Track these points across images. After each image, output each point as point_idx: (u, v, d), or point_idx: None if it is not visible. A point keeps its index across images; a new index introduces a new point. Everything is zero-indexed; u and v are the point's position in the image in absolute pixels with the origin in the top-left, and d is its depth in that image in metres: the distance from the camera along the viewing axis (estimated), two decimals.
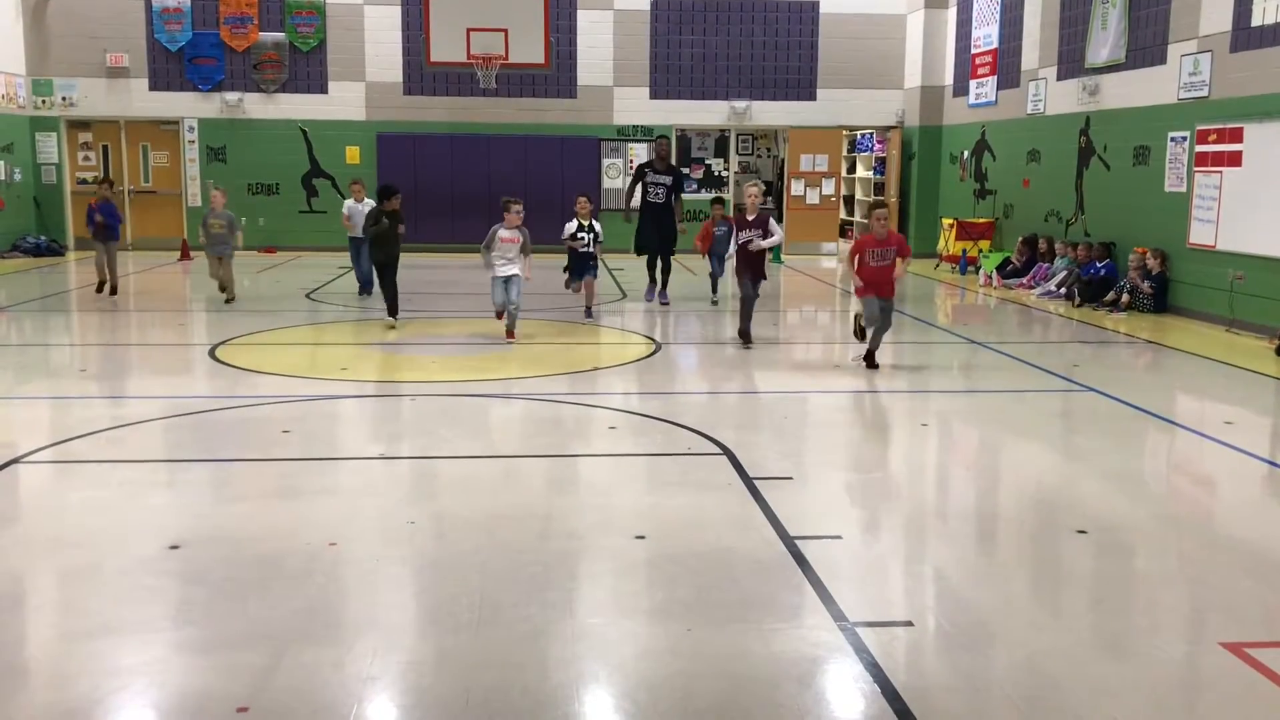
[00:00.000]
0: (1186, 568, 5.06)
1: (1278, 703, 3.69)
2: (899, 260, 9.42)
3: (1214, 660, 4.03)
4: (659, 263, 14.07)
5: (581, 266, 12.39)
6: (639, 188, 14.00)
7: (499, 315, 10.97)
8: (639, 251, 14.17)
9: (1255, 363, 10.14)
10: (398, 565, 4.93)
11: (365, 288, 14.34)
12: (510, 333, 10.90)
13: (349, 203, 14.84)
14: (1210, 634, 4.30)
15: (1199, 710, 3.74)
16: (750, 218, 10.54)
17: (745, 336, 10.66)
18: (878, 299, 9.39)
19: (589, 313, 12.52)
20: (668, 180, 13.86)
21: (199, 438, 7.27)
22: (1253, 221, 11.83)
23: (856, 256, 9.48)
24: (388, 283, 12.03)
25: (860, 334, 9.81)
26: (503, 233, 10.76)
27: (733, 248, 10.82)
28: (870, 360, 9.49)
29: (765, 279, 10.88)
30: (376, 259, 12.12)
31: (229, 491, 6.12)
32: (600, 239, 12.28)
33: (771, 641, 4.16)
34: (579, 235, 12.12)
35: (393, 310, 11.98)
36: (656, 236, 13.92)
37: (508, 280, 10.80)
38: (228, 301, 13.68)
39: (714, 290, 14.14)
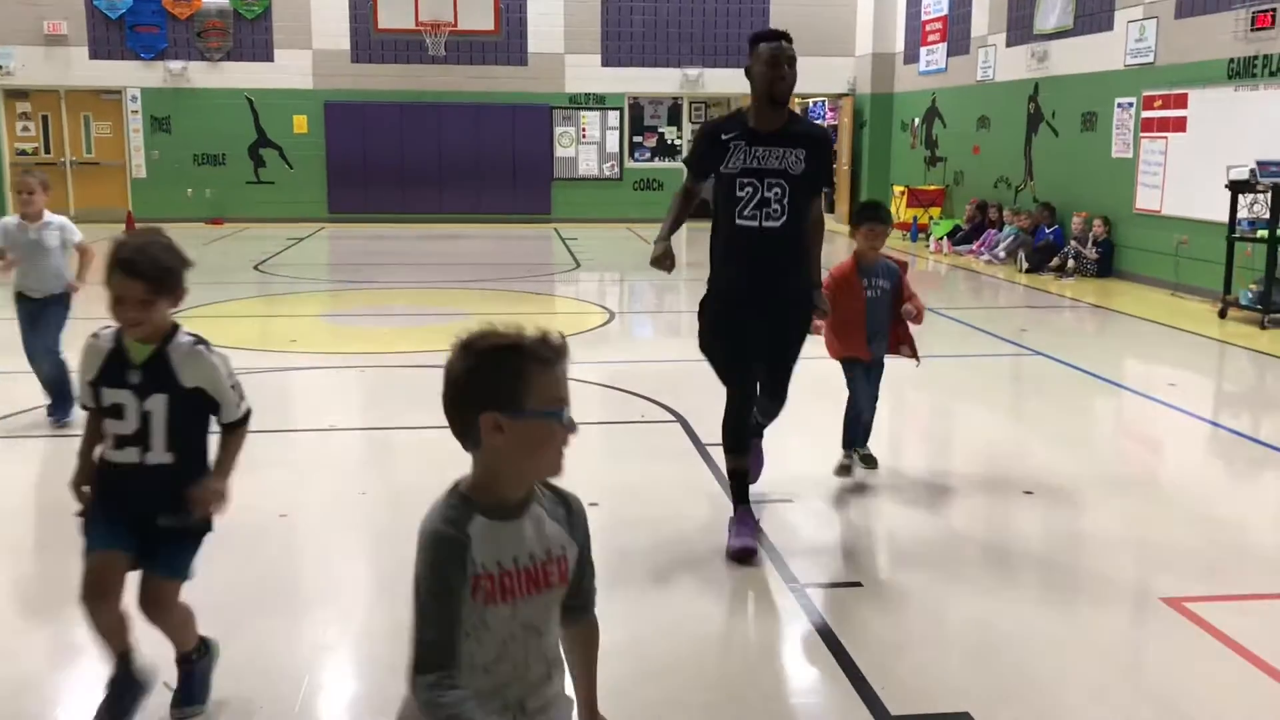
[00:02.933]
0: (1130, 526, 5.15)
1: (1214, 654, 3.78)
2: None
3: (1156, 615, 4.12)
4: (752, 391, 4.93)
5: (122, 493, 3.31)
6: (697, 193, 4.93)
7: None
8: (725, 369, 4.89)
9: (1199, 326, 10.31)
10: (351, 536, 4.91)
11: (60, 405, 6.53)
12: None
13: (6, 221, 6.52)
14: (1153, 589, 4.39)
15: (1141, 662, 3.83)
16: None
17: None
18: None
19: None
20: (792, 159, 4.61)
21: None
22: (1197, 186, 11.99)
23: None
24: None
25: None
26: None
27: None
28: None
29: None
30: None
31: None
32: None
33: (724, 604, 4.20)
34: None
35: None
36: (753, 324, 4.73)
37: None
38: None
39: (861, 442, 5.77)
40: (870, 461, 5.72)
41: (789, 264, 4.71)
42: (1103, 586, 4.43)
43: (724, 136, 4.67)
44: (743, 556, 4.55)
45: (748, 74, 4.67)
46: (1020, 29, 15.96)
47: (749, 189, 4.62)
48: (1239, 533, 5.05)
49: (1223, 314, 10.67)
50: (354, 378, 8.16)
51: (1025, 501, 5.43)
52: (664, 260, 4.74)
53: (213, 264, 14.81)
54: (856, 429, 5.73)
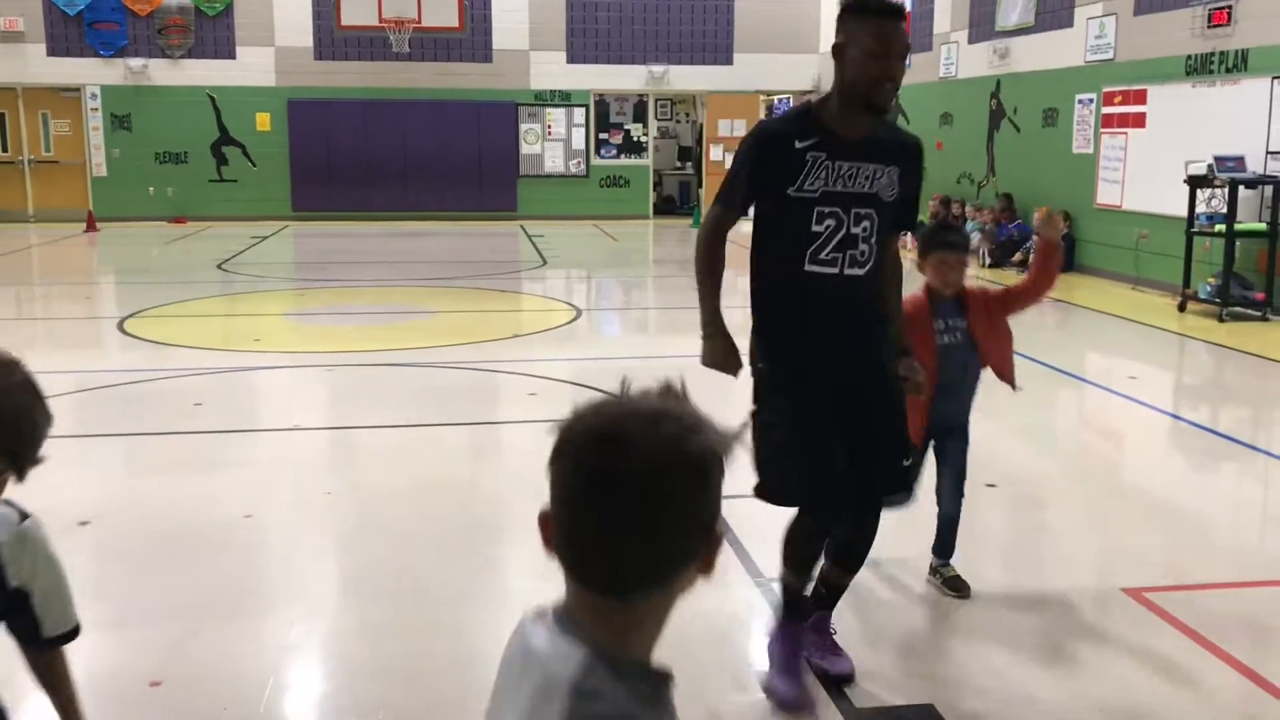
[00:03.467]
0: (1092, 518, 5.21)
1: (1172, 641, 3.83)
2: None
3: (1117, 605, 4.17)
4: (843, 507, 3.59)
5: None
6: (742, 220, 3.49)
7: None
8: (812, 483, 3.52)
9: (1159, 319, 10.43)
10: (316, 536, 4.89)
11: None
12: None
13: None
14: (1114, 580, 4.44)
15: (1102, 652, 3.87)
16: None
17: None
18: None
19: None
20: (884, 180, 3.33)
21: (109, 412, 7.10)
22: (1157, 181, 12.13)
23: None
24: None
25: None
26: None
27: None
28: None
29: None
30: None
31: (140, 465, 6.00)
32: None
33: (691, 600, 4.19)
34: None
35: None
36: (840, 415, 3.42)
37: None
38: None
39: (943, 552, 4.35)
40: (955, 584, 4.22)
41: (879, 326, 3.47)
42: (1065, 577, 4.48)
43: (799, 144, 3.26)
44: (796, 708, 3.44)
45: (836, 55, 3.29)
46: (982, 26, 16.08)
47: (829, 222, 3.28)
48: (1199, 523, 5.12)
49: (1182, 307, 10.80)
50: (318, 377, 8.11)
51: (988, 494, 5.47)
52: (729, 359, 3.46)
53: (175, 263, 14.68)
54: (943, 530, 4.29)
